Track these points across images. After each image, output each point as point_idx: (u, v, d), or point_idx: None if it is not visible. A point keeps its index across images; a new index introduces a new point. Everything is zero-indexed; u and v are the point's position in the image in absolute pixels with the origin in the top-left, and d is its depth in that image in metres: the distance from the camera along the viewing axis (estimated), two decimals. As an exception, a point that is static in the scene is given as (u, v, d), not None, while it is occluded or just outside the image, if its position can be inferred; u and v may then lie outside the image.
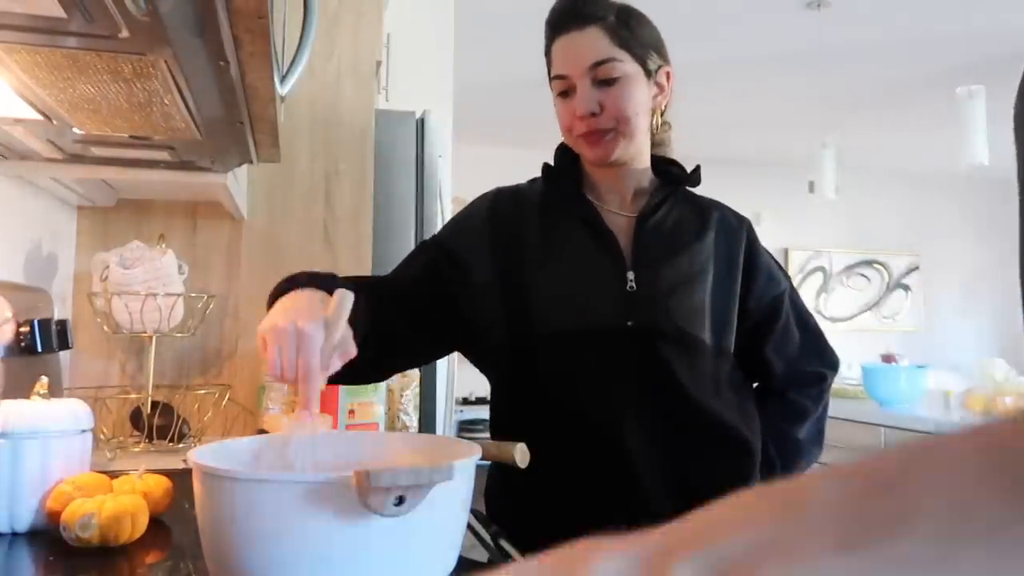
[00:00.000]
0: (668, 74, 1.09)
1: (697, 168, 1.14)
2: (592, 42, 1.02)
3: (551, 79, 1.07)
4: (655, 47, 1.07)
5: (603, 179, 1.10)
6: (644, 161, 1.10)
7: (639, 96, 1.04)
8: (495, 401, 1.12)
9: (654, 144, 1.12)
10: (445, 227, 1.14)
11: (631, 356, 0.99)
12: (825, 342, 1.20)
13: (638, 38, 1.04)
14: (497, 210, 1.11)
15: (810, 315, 1.19)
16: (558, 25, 1.07)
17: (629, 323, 1.00)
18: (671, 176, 1.11)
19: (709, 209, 1.12)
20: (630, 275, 1.02)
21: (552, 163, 1.14)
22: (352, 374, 0.85)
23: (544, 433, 0.97)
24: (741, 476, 1.04)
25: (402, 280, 1.07)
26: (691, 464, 1.00)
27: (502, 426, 1.10)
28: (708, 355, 1.03)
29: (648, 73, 1.05)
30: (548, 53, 1.09)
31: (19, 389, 1.08)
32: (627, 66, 1.03)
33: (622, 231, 1.06)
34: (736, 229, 1.12)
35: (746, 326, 1.09)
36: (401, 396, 1.57)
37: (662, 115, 1.12)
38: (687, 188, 1.13)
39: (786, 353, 1.13)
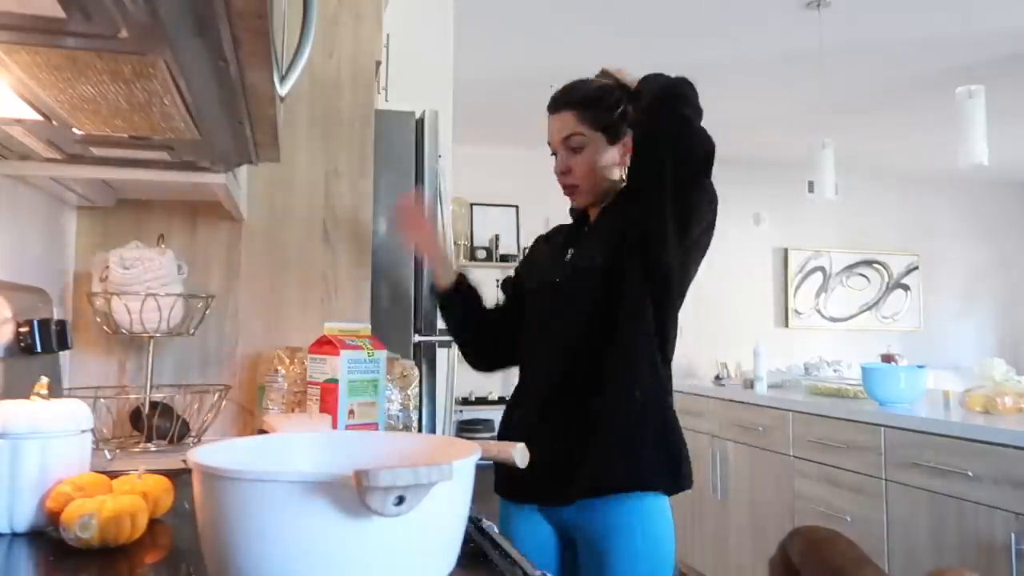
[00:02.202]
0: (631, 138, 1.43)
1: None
2: (565, 122, 1.45)
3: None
4: (619, 118, 1.45)
5: (592, 212, 1.52)
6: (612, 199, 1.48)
7: (603, 157, 1.45)
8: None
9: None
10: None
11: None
12: None
13: (600, 115, 1.44)
14: (532, 246, 1.67)
15: None
16: (548, 108, 1.49)
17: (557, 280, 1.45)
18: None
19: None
20: (569, 250, 1.48)
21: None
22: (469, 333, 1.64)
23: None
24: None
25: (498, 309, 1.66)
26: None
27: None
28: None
29: (612, 140, 1.45)
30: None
31: (19, 389, 1.08)
32: (588, 137, 1.44)
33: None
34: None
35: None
36: (401, 396, 1.57)
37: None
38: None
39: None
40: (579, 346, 1.38)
